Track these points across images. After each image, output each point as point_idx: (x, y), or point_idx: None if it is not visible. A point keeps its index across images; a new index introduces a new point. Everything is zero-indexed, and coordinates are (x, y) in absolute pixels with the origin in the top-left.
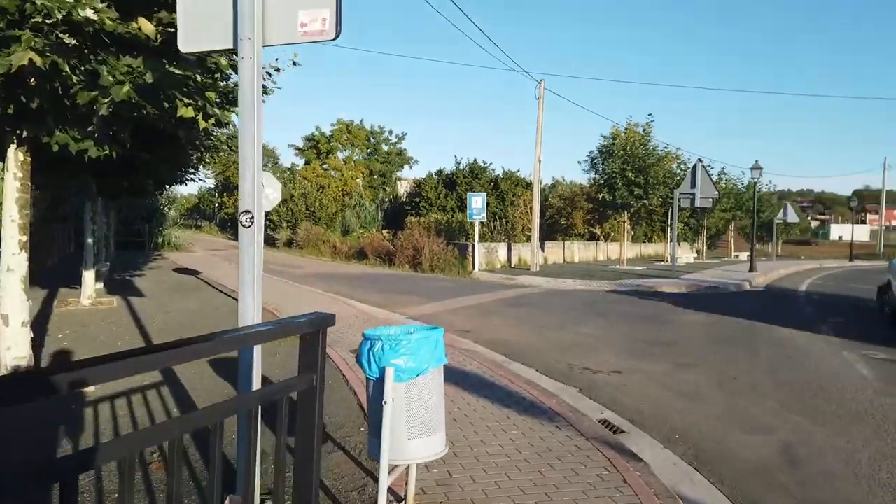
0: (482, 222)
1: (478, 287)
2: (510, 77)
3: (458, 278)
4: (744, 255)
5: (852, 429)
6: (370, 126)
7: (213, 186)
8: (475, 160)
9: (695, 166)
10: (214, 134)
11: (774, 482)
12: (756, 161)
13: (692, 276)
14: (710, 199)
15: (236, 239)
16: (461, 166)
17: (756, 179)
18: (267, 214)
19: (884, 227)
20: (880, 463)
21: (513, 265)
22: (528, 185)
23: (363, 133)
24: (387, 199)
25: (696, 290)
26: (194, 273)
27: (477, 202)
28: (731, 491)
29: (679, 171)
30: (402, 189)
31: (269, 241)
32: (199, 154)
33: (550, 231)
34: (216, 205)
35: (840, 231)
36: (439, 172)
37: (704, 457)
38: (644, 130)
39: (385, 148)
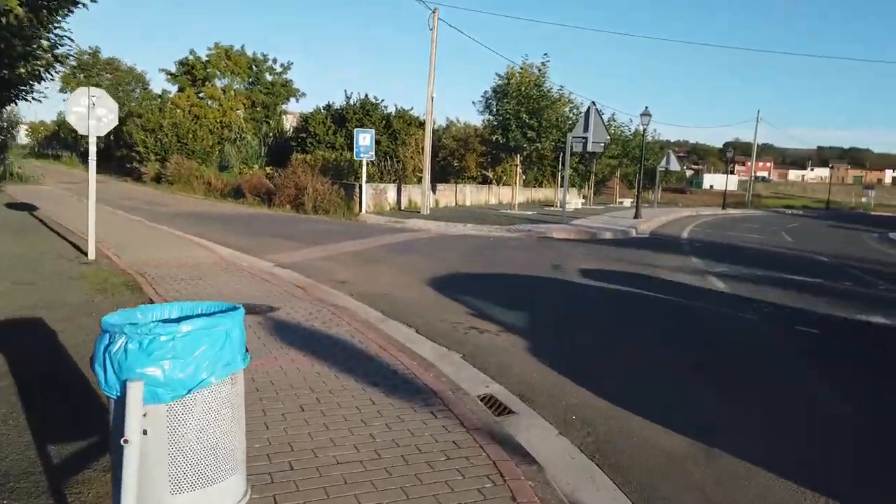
0: (371, 162)
1: (363, 231)
2: (405, 5)
3: (343, 221)
4: (628, 202)
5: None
6: (252, 53)
7: None
8: (367, 96)
9: (588, 110)
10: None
11: (689, 481)
12: (646, 107)
13: (581, 223)
14: (602, 144)
15: (104, 171)
16: (352, 102)
17: (645, 126)
18: (130, 145)
19: (753, 178)
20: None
21: (403, 208)
22: (422, 125)
23: (244, 60)
24: (271, 134)
25: (587, 236)
26: (31, 209)
27: (365, 139)
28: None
29: (572, 115)
30: (289, 124)
31: (136, 175)
32: (28, 68)
33: (443, 173)
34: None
35: (712, 180)
36: (328, 107)
37: (607, 448)
38: (539, 71)
39: (269, 78)
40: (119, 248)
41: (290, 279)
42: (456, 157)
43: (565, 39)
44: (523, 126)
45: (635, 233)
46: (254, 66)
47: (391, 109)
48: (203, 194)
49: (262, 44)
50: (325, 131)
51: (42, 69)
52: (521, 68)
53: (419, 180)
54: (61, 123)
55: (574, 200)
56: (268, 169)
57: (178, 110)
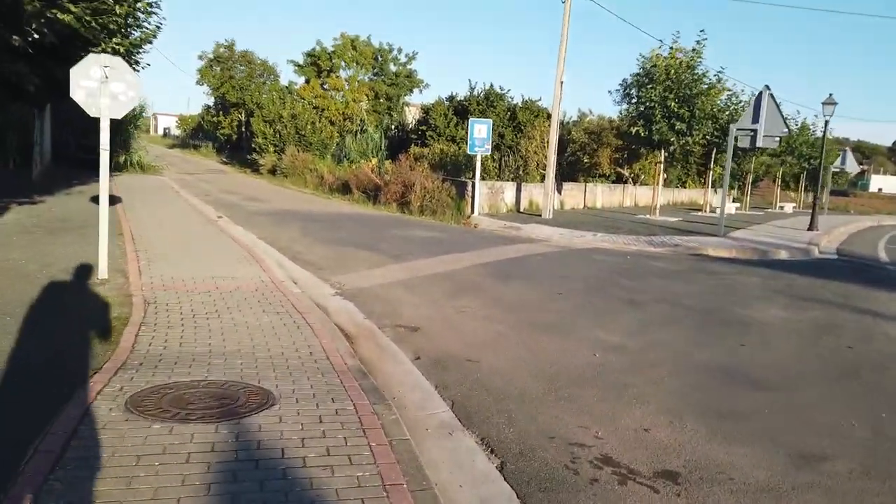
0: (490, 157)
1: (468, 240)
2: None
3: (449, 225)
4: (789, 206)
5: None
6: (378, 43)
7: (211, 104)
8: (491, 85)
9: (759, 96)
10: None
11: None
12: (830, 95)
13: (743, 235)
14: (777, 139)
15: (229, 162)
16: (475, 92)
17: (828, 117)
18: (247, 136)
19: None
20: None
21: (522, 210)
22: (549, 117)
23: (370, 50)
24: (393, 126)
25: (756, 256)
26: (111, 202)
27: (481, 131)
28: None
29: (732, 104)
30: (411, 116)
31: (253, 167)
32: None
33: (571, 170)
34: (214, 124)
35: (881, 182)
36: (450, 98)
37: None
38: (694, 52)
39: (393, 68)
40: (154, 259)
41: (340, 321)
42: (587, 153)
43: (718, 14)
44: (671, 116)
45: (818, 251)
46: (378, 57)
47: (517, 100)
48: (313, 189)
49: (387, 34)
50: (446, 123)
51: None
52: (671, 48)
53: (543, 178)
54: (203, 116)
55: (726, 205)
56: (373, 161)
57: (299, 101)
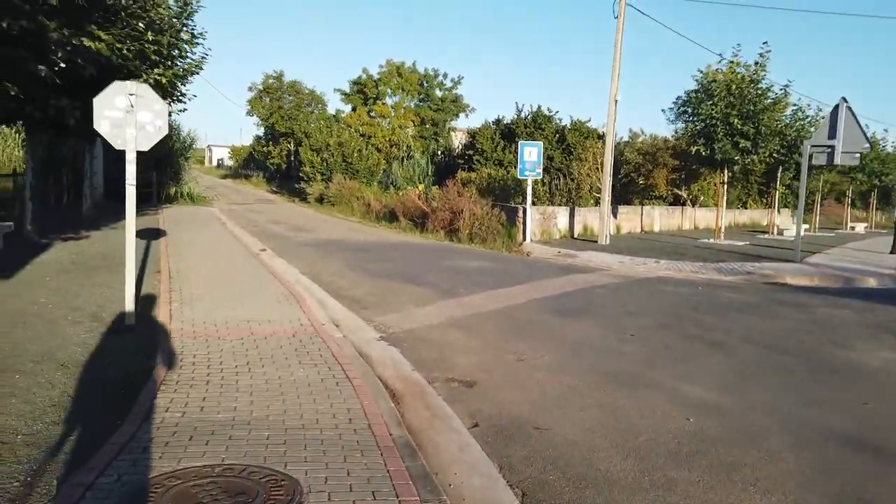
0: (540, 181)
1: (522, 270)
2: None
3: (500, 253)
4: (860, 227)
5: None
6: (423, 69)
7: (261, 135)
8: (538, 107)
9: (836, 109)
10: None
11: None
12: None
13: (821, 261)
14: (857, 155)
15: (278, 191)
16: (522, 115)
17: None
18: (296, 165)
19: None
20: None
21: (576, 235)
22: (601, 137)
23: (415, 77)
24: (439, 152)
25: (841, 284)
26: (156, 235)
27: (531, 154)
28: None
29: (798, 119)
30: (457, 140)
31: (301, 196)
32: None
33: (625, 193)
34: (264, 154)
35: None
36: (497, 122)
37: None
38: (757, 65)
39: (439, 94)
40: (188, 301)
41: (385, 374)
42: (641, 174)
43: (771, 26)
44: (734, 133)
45: None
46: (424, 83)
47: (566, 121)
48: (360, 217)
49: (433, 59)
50: (493, 147)
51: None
52: (731, 62)
53: (597, 202)
54: (255, 146)
55: (793, 225)
56: (420, 187)
57: (345, 129)
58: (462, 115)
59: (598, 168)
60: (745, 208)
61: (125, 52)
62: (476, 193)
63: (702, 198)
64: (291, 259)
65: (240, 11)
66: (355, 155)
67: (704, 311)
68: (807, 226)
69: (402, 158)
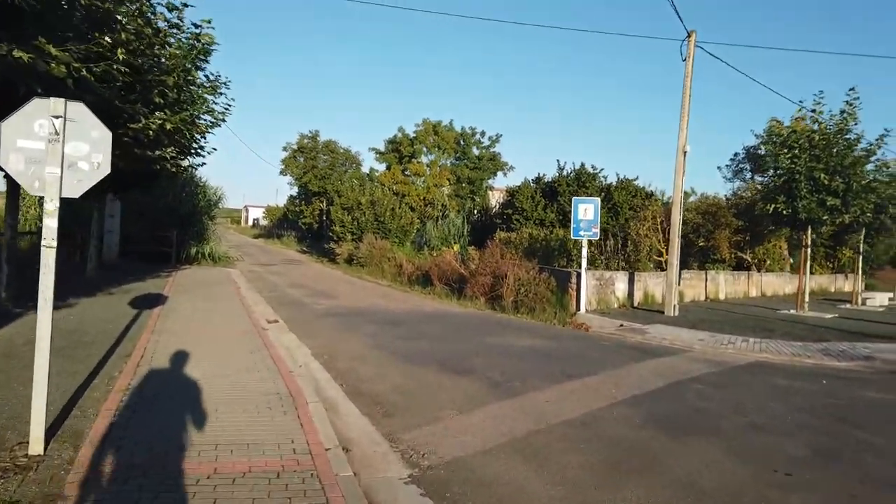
0: (592, 241)
1: (587, 351)
2: (646, 47)
3: (552, 326)
4: None
5: None
6: (460, 128)
7: (295, 194)
8: (582, 165)
9: None
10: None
11: None
12: None
13: None
14: None
15: (308, 251)
16: (564, 172)
17: None
18: (328, 225)
19: None
20: None
21: (636, 304)
22: (649, 197)
23: (451, 135)
24: (476, 211)
25: None
26: (153, 302)
27: (586, 211)
28: None
29: (883, 174)
30: (494, 200)
31: (330, 256)
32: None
33: (683, 256)
34: (297, 214)
35: None
36: (537, 180)
37: None
38: (845, 114)
39: (476, 152)
40: (142, 407)
41: None
42: (701, 235)
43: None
44: (819, 190)
45: None
46: (461, 141)
47: (612, 179)
48: (390, 280)
49: (470, 118)
50: (534, 206)
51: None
52: (814, 111)
53: (658, 266)
54: (289, 206)
55: (875, 294)
56: (455, 247)
57: (378, 187)
58: (500, 173)
59: (657, 228)
60: (812, 273)
61: (84, 73)
62: (520, 255)
63: (768, 262)
64: (304, 334)
65: (279, 70)
66: (388, 214)
67: (856, 422)
68: (892, 294)
69: (437, 218)
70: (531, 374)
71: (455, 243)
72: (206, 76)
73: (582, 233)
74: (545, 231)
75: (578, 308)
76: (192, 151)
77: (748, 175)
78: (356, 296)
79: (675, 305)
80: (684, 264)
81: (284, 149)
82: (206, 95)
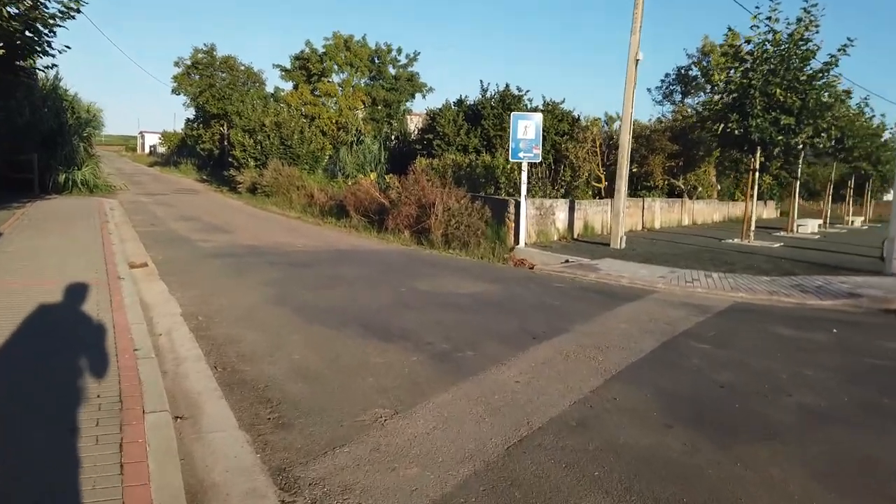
0: (533, 164)
1: (543, 297)
2: None
3: (492, 265)
4: (857, 221)
5: None
6: (375, 44)
7: (192, 118)
8: (507, 86)
9: None
10: None
11: None
12: None
13: None
14: None
15: (208, 180)
16: (488, 94)
17: None
18: (229, 150)
19: None
20: None
21: (577, 235)
22: (575, 122)
23: (365, 51)
24: (393, 136)
25: None
26: None
27: (527, 129)
28: None
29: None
30: (413, 125)
31: (231, 185)
32: None
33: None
34: (195, 139)
35: None
36: (460, 102)
37: None
38: (801, 22)
39: (392, 71)
40: None
41: None
42: (634, 161)
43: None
44: (774, 107)
45: None
46: (376, 59)
47: (538, 102)
48: (300, 211)
49: (385, 35)
50: (456, 131)
51: None
52: (769, 18)
53: (596, 194)
54: (187, 132)
55: (808, 222)
56: (372, 175)
57: (284, 108)
58: (418, 95)
59: (595, 153)
60: (734, 200)
61: None
62: (449, 182)
63: (699, 189)
64: (180, 284)
65: None
66: (296, 137)
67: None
68: (819, 221)
69: (352, 143)
70: (484, 335)
71: (372, 171)
72: None
73: (522, 154)
74: (469, 157)
75: (517, 242)
76: (34, 48)
77: (679, 98)
78: (257, 230)
79: (622, 237)
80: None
81: (176, 64)
82: None
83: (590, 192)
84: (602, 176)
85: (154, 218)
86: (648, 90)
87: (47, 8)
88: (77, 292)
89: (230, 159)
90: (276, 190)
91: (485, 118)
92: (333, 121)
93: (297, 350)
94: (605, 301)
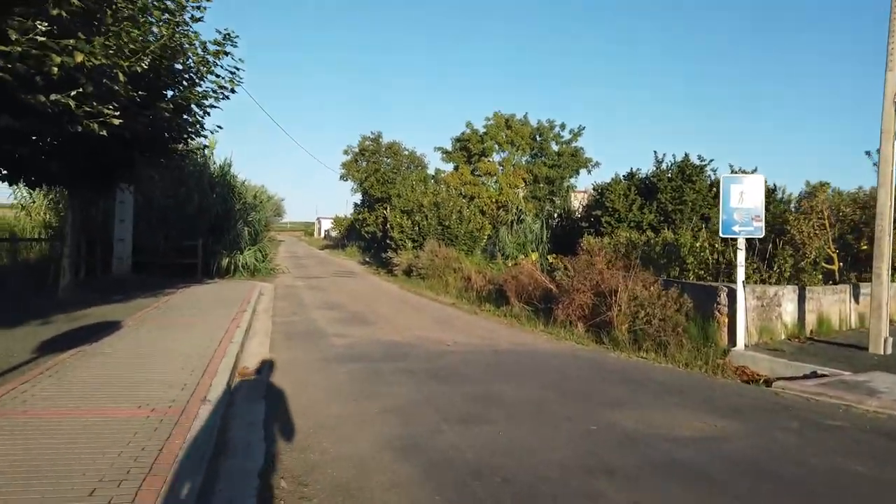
0: (750, 240)
1: (812, 441)
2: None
3: (702, 375)
4: None
5: None
6: (536, 121)
7: (359, 202)
8: (686, 156)
9: None
10: None
11: None
12: None
13: None
14: None
15: (369, 262)
16: (664, 166)
17: None
18: (385, 231)
19: None
20: None
21: (811, 333)
22: (771, 192)
23: (526, 129)
24: (556, 214)
25: None
26: (101, 334)
27: (743, 196)
28: None
29: None
30: (577, 202)
31: (388, 267)
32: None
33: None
34: (361, 222)
35: None
36: (630, 176)
37: None
38: None
39: (555, 148)
40: None
41: None
42: (864, 236)
43: None
44: None
45: None
46: (537, 136)
47: (723, 171)
48: (455, 297)
49: (546, 112)
50: (628, 206)
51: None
52: None
53: (826, 277)
54: (354, 215)
55: None
56: (533, 256)
57: (443, 187)
58: (583, 171)
59: (823, 226)
60: None
61: None
62: (636, 264)
63: None
64: (283, 406)
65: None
66: (454, 217)
67: None
68: None
69: (512, 222)
70: None
71: (533, 251)
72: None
73: (737, 228)
74: (644, 235)
75: (733, 342)
76: (191, 132)
77: None
78: (403, 321)
79: (886, 339)
80: (841, 275)
81: (345, 152)
82: (206, 56)
83: (819, 276)
84: (835, 256)
85: (299, 305)
86: (867, 153)
87: (200, 86)
88: (123, 430)
89: (387, 241)
90: (432, 272)
91: (661, 191)
92: (493, 200)
93: None
94: None
